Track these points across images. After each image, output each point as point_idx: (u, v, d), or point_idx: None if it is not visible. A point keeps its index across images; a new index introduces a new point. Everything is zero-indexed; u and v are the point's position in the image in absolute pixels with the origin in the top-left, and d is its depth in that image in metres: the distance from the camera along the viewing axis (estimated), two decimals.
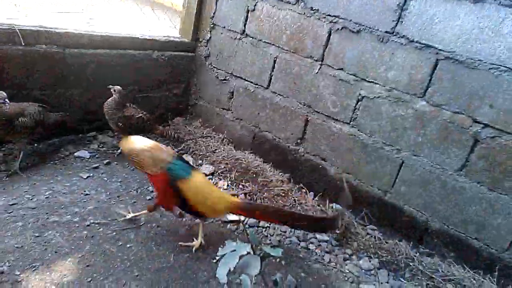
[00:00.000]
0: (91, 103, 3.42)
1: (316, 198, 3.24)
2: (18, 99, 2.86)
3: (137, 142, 2.45)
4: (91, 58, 3.29)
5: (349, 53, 2.96)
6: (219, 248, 2.49)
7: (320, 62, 3.13)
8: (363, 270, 2.66)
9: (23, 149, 2.90)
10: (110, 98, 3.17)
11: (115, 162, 3.24)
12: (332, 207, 3.15)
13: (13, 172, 2.82)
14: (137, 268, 2.26)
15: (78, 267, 2.17)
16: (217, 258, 2.42)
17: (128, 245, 2.40)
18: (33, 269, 2.08)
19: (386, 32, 2.75)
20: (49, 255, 2.20)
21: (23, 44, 2.92)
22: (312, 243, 2.84)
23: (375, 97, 2.89)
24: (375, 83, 2.87)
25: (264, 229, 2.84)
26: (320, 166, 3.27)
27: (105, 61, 3.38)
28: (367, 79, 2.90)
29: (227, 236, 2.69)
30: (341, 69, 3.02)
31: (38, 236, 2.31)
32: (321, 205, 3.16)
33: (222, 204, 2.42)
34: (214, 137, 3.82)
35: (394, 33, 2.72)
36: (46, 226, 2.40)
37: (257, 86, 3.57)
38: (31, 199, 2.60)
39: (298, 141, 3.37)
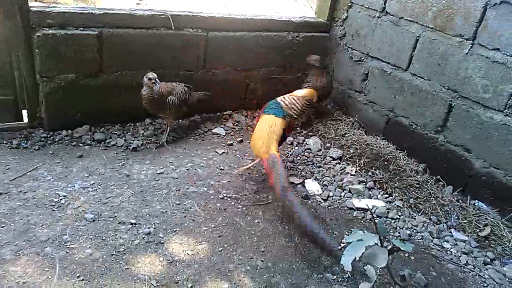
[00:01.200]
0: (230, 84, 3.61)
1: (455, 193, 2.94)
2: (166, 79, 3.16)
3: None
4: (231, 40, 3.46)
5: (509, 31, 2.56)
6: (345, 235, 2.48)
7: (471, 42, 2.78)
8: (506, 279, 2.35)
9: (170, 124, 3.22)
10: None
11: (248, 141, 3.39)
12: (474, 204, 2.83)
13: (161, 144, 3.16)
14: (263, 243, 2.35)
15: (211, 236, 2.34)
16: (342, 245, 2.41)
17: (256, 221, 2.51)
18: (174, 233, 2.32)
19: None
20: (187, 222, 2.42)
21: (173, 28, 3.20)
22: (447, 241, 2.60)
23: None
24: None
25: (393, 221, 2.70)
26: (463, 158, 2.95)
27: (243, 43, 3.52)
28: None
29: (353, 224, 2.62)
30: (497, 49, 2.64)
31: (179, 204, 2.55)
32: (460, 201, 2.86)
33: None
34: (344, 120, 3.72)
35: None
36: (186, 195, 2.64)
37: (394, 67, 3.35)
38: (175, 170, 2.88)
39: (438, 128, 3.08)
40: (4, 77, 2.88)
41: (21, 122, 3.04)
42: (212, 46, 3.41)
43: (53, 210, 2.32)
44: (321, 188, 2.91)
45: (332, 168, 3.13)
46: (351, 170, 3.09)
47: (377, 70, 3.50)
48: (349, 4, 3.67)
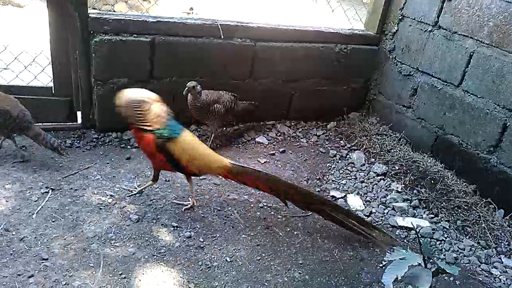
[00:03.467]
0: (275, 94, 3.63)
1: (507, 217, 2.79)
2: (213, 87, 3.22)
3: (140, 93, 2.38)
4: (278, 50, 3.49)
5: None
6: (387, 253, 2.40)
7: None
8: None
9: (214, 131, 3.28)
10: None
11: (290, 151, 3.38)
12: None
13: None
14: (301, 256, 2.33)
15: (250, 244, 2.35)
16: (384, 263, 2.34)
17: (295, 232, 2.50)
18: (214, 238, 2.34)
19: None
20: (227, 228, 2.44)
21: (222, 37, 3.26)
22: (496, 267, 2.47)
23: None
24: None
25: (438, 242, 2.59)
26: None
27: (290, 54, 3.53)
28: None
29: (395, 242, 2.54)
30: None
31: (219, 210, 2.58)
32: (511, 226, 2.71)
33: (216, 165, 2.42)
34: (390, 135, 3.63)
35: None
36: (227, 202, 2.67)
37: (445, 83, 3.24)
38: (217, 176, 2.91)
39: (491, 149, 2.94)
40: (62, 80, 3.04)
41: (75, 123, 3.19)
42: (259, 56, 3.44)
43: (100, 208, 2.42)
44: (364, 204, 2.85)
45: (376, 184, 3.06)
46: (396, 187, 3.01)
47: (427, 85, 3.40)
48: (400, 17, 3.61)
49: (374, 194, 2.97)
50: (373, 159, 3.34)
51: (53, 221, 2.26)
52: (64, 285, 1.90)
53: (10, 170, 2.59)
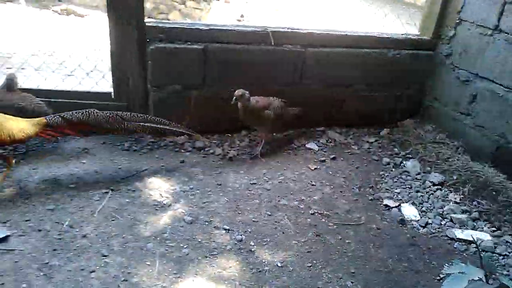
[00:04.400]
0: (325, 100, 3.61)
1: None
2: (264, 93, 3.25)
3: None
4: (329, 56, 3.47)
5: None
6: (445, 266, 2.31)
7: None
8: None
9: (264, 137, 3.30)
10: None
11: (341, 159, 3.34)
12: None
13: (255, 156, 3.24)
14: (353, 265, 2.28)
15: (300, 250, 2.34)
16: (441, 276, 2.25)
17: (347, 241, 2.45)
18: (265, 243, 2.36)
19: None
20: (278, 234, 2.44)
21: (273, 44, 3.29)
22: None
23: None
24: None
25: (501, 257, 2.45)
26: None
27: (341, 60, 3.50)
28: None
29: (453, 256, 2.43)
30: None
31: (270, 215, 2.59)
32: None
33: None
34: (447, 144, 3.49)
35: None
36: (277, 207, 2.67)
37: (508, 90, 3.09)
38: (267, 181, 2.93)
39: None
40: (121, 86, 3.18)
41: None
42: (309, 62, 3.44)
43: (156, 209, 2.50)
44: (419, 214, 2.76)
45: (432, 194, 2.94)
46: (454, 198, 2.88)
47: (487, 91, 3.25)
48: (458, 21, 3.48)
49: (430, 204, 2.86)
50: (428, 168, 3.22)
51: (113, 220, 2.37)
52: (122, 281, 1.98)
53: (73, 170, 2.74)
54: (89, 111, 2.63)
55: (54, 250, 2.10)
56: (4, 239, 2.13)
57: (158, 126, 2.81)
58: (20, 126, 2.43)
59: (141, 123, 2.76)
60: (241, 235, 2.39)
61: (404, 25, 3.99)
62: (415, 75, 3.79)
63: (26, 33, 5.87)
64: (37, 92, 2.99)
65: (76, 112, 2.58)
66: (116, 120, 2.68)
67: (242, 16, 7.81)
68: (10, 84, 2.85)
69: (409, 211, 2.76)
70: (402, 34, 3.77)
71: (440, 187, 3.01)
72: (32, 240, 2.15)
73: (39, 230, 2.22)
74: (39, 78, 3.43)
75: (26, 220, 2.27)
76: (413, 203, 2.86)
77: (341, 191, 2.92)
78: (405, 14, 4.22)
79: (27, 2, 7.81)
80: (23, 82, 3.35)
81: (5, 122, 2.39)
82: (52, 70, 3.68)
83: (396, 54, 3.64)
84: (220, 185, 2.82)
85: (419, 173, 3.17)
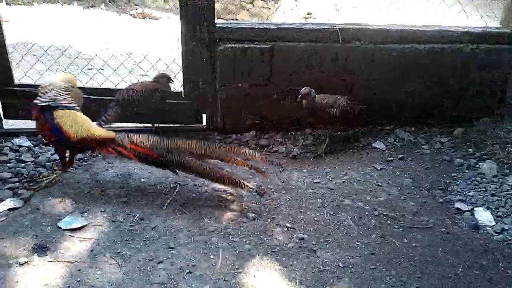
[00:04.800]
0: (393, 97, 3.48)
1: None
2: (329, 91, 3.21)
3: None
4: (398, 52, 3.34)
5: None
6: None
7: None
8: None
9: (328, 135, 3.27)
10: None
11: (410, 159, 3.20)
12: None
13: (319, 154, 3.22)
14: (419, 269, 2.19)
15: (363, 252, 2.29)
16: None
17: (413, 244, 2.36)
18: (326, 243, 2.34)
19: None
20: (340, 234, 2.41)
21: (341, 41, 3.24)
22: None
23: None
24: None
25: None
26: None
27: (411, 56, 3.36)
28: None
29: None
30: None
31: (332, 215, 2.56)
32: None
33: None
34: None
35: None
36: (340, 208, 2.63)
37: None
38: (331, 181, 2.90)
39: None
40: (191, 85, 3.31)
41: (200, 125, 3.46)
42: (378, 58, 3.34)
43: (220, 204, 2.59)
44: (494, 220, 2.57)
45: (510, 198, 2.72)
46: None
47: None
48: None
49: (508, 209, 2.65)
50: (507, 171, 2.99)
51: (180, 214, 2.49)
52: (187, 273, 2.07)
53: (145, 165, 2.90)
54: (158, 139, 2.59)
55: (126, 240, 2.26)
56: (82, 228, 2.32)
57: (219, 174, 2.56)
58: (99, 130, 2.59)
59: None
60: (303, 233, 2.39)
61: (483, 17, 3.72)
62: (495, 71, 3.52)
63: (106, 35, 6.31)
64: (116, 91, 3.21)
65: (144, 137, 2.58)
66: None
67: (309, 13, 7.75)
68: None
69: (483, 216, 2.59)
70: (480, 28, 3.52)
71: None
72: (106, 230, 2.32)
73: (113, 221, 2.39)
74: (117, 78, 3.67)
75: (102, 211, 2.46)
76: (488, 208, 2.67)
77: (408, 193, 2.81)
78: (484, 5, 3.92)
79: (107, 7, 8.39)
80: (102, 82, 3.62)
81: (89, 121, 2.59)
82: (129, 70, 3.92)
83: (474, 49, 3.42)
84: (283, 183, 2.84)
85: (496, 176, 2.95)
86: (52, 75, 2.92)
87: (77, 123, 2.51)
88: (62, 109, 2.50)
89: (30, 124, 3.31)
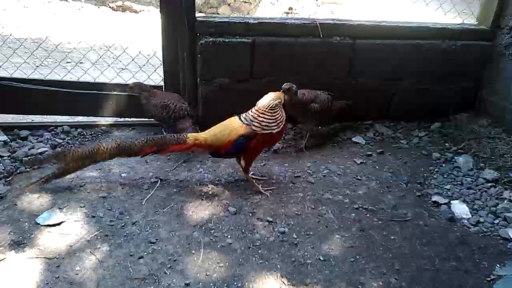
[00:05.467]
0: (374, 93, 3.53)
1: None
2: (310, 86, 3.23)
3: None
4: (379, 48, 3.38)
5: None
6: (496, 267, 2.21)
7: None
8: None
9: (309, 130, 3.29)
10: None
11: (389, 153, 3.26)
12: None
13: (300, 149, 3.24)
14: (398, 262, 2.23)
15: (343, 245, 2.32)
16: (492, 277, 2.15)
17: (392, 237, 2.40)
18: (307, 236, 2.36)
19: None
20: (321, 227, 2.44)
21: (321, 36, 3.26)
22: None
23: None
24: None
25: None
26: None
27: (391, 51, 3.41)
28: None
29: (506, 257, 2.31)
30: None
31: (313, 209, 2.59)
32: None
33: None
34: (504, 139, 3.31)
35: None
36: (321, 201, 2.66)
37: None
38: (312, 175, 2.93)
39: None
40: (172, 79, 3.29)
41: None
42: (358, 54, 3.37)
43: (202, 199, 2.58)
44: (470, 212, 2.64)
45: (485, 191, 2.80)
46: (510, 196, 2.73)
47: None
48: None
49: (483, 202, 2.73)
50: (482, 164, 3.07)
51: (161, 209, 2.47)
52: (168, 267, 2.07)
53: (126, 160, 2.87)
54: None
55: (106, 235, 2.24)
56: (60, 224, 2.29)
57: None
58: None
59: None
60: (284, 227, 2.41)
61: (460, 14, 3.80)
62: (471, 67, 3.61)
63: (85, 28, 6.19)
64: (95, 86, 3.16)
65: None
66: None
67: (290, 8, 7.76)
68: None
69: (460, 209, 2.65)
70: (458, 24, 3.60)
71: (494, 184, 2.86)
72: (86, 226, 2.30)
73: (93, 217, 2.36)
74: (96, 72, 3.61)
75: (81, 207, 2.43)
76: (464, 201, 2.74)
77: (387, 186, 2.86)
78: (462, 3, 4.00)
79: None
80: (80, 76, 3.55)
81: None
82: (108, 64, 3.86)
83: (451, 45, 3.49)
84: (264, 177, 2.85)
85: (471, 169, 3.03)
86: None
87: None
88: None
89: (6, 118, 3.25)
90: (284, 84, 2.96)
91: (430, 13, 4.00)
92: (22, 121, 3.32)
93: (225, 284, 2.01)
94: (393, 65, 3.46)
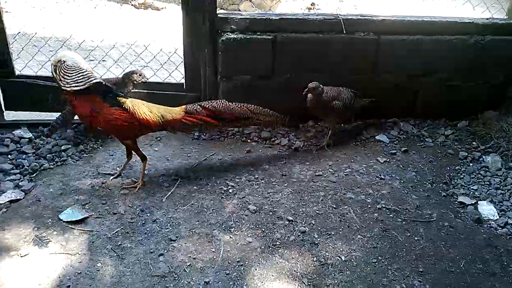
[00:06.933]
0: (398, 90, 3.44)
1: None
2: (333, 83, 3.17)
3: None
4: (404, 44, 3.29)
5: None
6: None
7: None
8: None
9: (331, 128, 3.24)
10: None
11: (413, 151, 3.18)
12: None
13: (322, 147, 3.20)
14: (422, 263, 2.17)
15: (365, 246, 2.27)
16: None
17: (416, 238, 2.34)
18: (328, 236, 2.32)
19: None
20: (342, 227, 2.40)
21: (344, 32, 3.19)
22: None
23: None
24: None
25: None
26: None
27: (417, 47, 3.31)
28: None
29: None
30: None
31: (335, 208, 2.55)
32: None
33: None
34: None
35: None
36: (343, 201, 2.61)
37: None
38: (333, 174, 2.88)
39: None
40: (192, 76, 3.29)
41: None
42: (382, 50, 3.29)
43: (222, 197, 2.57)
44: (498, 213, 2.55)
45: None
46: None
47: None
48: None
49: None
50: (511, 164, 2.96)
51: (181, 206, 2.47)
52: (188, 265, 2.07)
53: (148, 157, 2.88)
54: (222, 101, 2.79)
55: (127, 232, 2.25)
56: (83, 220, 2.31)
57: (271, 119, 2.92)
58: (168, 110, 2.65)
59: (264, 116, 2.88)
60: (304, 226, 2.37)
61: (489, 8, 3.67)
62: (501, 63, 3.47)
63: (107, 26, 6.27)
64: None
65: (212, 102, 2.77)
66: (243, 111, 2.81)
67: (312, 4, 7.67)
68: None
69: (487, 210, 2.56)
70: (486, 19, 3.47)
71: None
72: (107, 222, 2.32)
73: (114, 213, 2.38)
74: (119, 70, 3.64)
75: (103, 203, 2.45)
76: (491, 201, 2.64)
77: (411, 186, 2.79)
78: None
79: None
80: (103, 73, 3.59)
81: (157, 106, 2.64)
82: (130, 61, 3.89)
83: (480, 40, 3.37)
84: (285, 175, 2.83)
85: (500, 169, 2.92)
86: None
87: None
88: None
89: (31, 116, 3.31)
90: (311, 83, 2.92)
91: (458, 7, 3.88)
92: (46, 119, 3.38)
93: (245, 284, 1.99)
94: (418, 62, 3.36)
